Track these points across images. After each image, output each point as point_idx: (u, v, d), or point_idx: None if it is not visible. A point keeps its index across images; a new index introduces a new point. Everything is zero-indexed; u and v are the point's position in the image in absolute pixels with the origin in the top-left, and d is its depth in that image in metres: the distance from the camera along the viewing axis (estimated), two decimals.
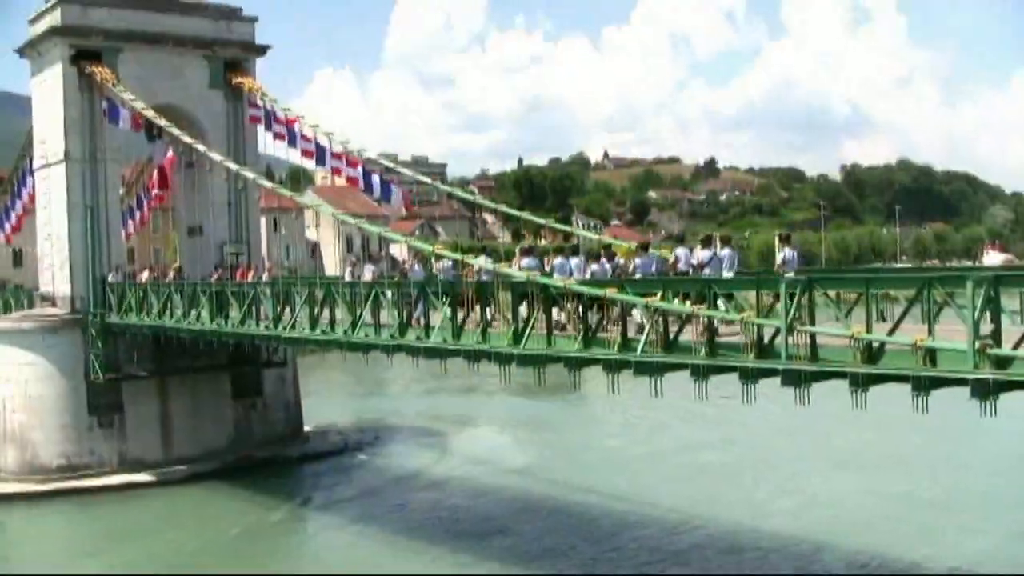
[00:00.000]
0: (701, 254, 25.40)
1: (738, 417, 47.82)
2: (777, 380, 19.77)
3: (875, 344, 18.22)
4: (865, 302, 18.38)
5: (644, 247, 27.33)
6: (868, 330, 18.10)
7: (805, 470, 43.70)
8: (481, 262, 27.60)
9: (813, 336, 19.11)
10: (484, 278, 27.05)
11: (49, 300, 47.83)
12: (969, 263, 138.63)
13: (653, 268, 26.11)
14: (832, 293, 19.43)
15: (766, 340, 20.06)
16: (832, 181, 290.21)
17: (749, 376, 20.39)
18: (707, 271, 24.35)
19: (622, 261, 27.05)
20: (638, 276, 25.36)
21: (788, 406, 20.48)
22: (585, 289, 23.32)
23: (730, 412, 46.62)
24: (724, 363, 20.93)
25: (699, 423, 51.83)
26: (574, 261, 26.81)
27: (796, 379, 19.46)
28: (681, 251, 26.57)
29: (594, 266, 26.38)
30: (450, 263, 30.00)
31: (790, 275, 22.18)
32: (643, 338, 22.09)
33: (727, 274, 24.31)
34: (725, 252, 25.24)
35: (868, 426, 40.13)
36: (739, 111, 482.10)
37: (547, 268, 27.06)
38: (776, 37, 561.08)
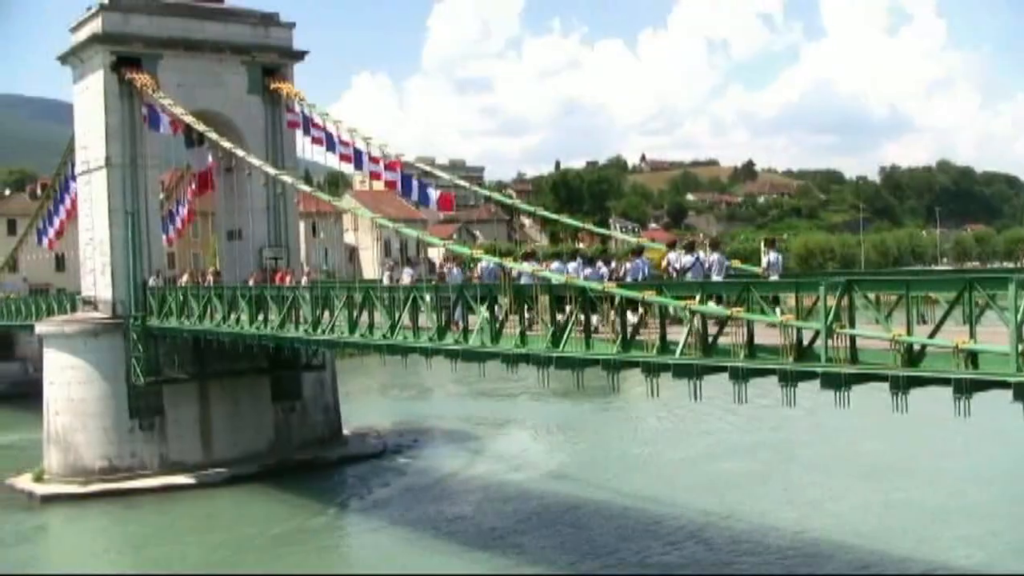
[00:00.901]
0: (684, 259, 25.82)
1: (779, 420, 47.86)
2: (817, 383, 19.71)
3: (916, 347, 18.13)
4: (905, 304, 18.29)
5: (671, 245, 27.51)
6: (909, 332, 18.01)
7: (845, 477, 43.27)
8: (524, 267, 27.53)
9: (853, 339, 19.05)
10: (525, 281, 27.07)
11: (91, 304, 48.25)
12: (1011, 265, 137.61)
13: (645, 271, 26.69)
14: (872, 295, 19.33)
15: (805, 342, 20.02)
16: (871, 183, 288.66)
17: (788, 379, 20.33)
18: (689, 276, 24.75)
19: (614, 265, 27.47)
20: (628, 279, 25.86)
21: (828, 409, 20.38)
22: (623, 291, 23.31)
23: (770, 414, 46.61)
24: (763, 366, 20.90)
25: (740, 426, 51.73)
26: (571, 265, 27.17)
27: (836, 382, 19.39)
28: (673, 255, 26.55)
29: (587, 270, 26.92)
30: (489, 264, 30.03)
31: (774, 277, 24.19)
32: (682, 340, 22.08)
33: (716, 278, 24.63)
34: (714, 257, 25.60)
35: (908, 429, 39.91)
36: (777, 113, 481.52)
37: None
38: (814, 39, 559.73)
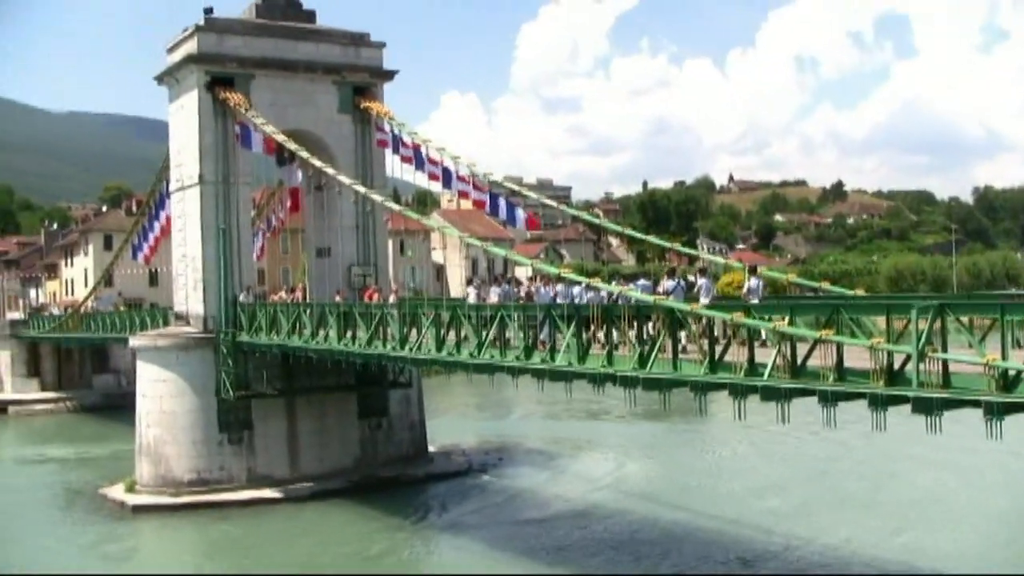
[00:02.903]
0: (666, 284, 27.62)
1: (869, 445, 47.10)
2: (908, 407, 19.42)
3: (1011, 372, 17.81)
4: (1000, 328, 17.97)
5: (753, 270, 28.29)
6: (1003, 357, 17.70)
7: (942, 506, 42.52)
8: (615, 289, 27.53)
9: (945, 363, 18.76)
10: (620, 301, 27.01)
11: (183, 319, 49.00)
12: None
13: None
14: (965, 319, 19.03)
15: (896, 366, 19.75)
16: (963, 204, 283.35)
17: (879, 403, 20.07)
18: (671, 298, 25.61)
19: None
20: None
21: (919, 434, 20.08)
22: (711, 312, 23.22)
23: (861, 439, 45.98)
24: (853, 389, 20.64)
25: (829, 451, 51.02)
26: (576, 289, 28.94)
27: (927, 407, 19.11)
28: (671, 284, 28.00)
29: (589, 293, 28.17)
30: (575, 287, 30.07)
31: (754, 301, 25.39)
32: (770, 363, 21.90)
33: (703, 300, 25.72)
34: (702, 282, 27.30)
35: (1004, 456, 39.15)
36: (867, 133, 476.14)
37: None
38: (905, 57, 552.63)
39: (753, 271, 28.16)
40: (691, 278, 28.31)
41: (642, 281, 29.30)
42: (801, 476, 48.24)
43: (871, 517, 39.96)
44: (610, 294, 27.64)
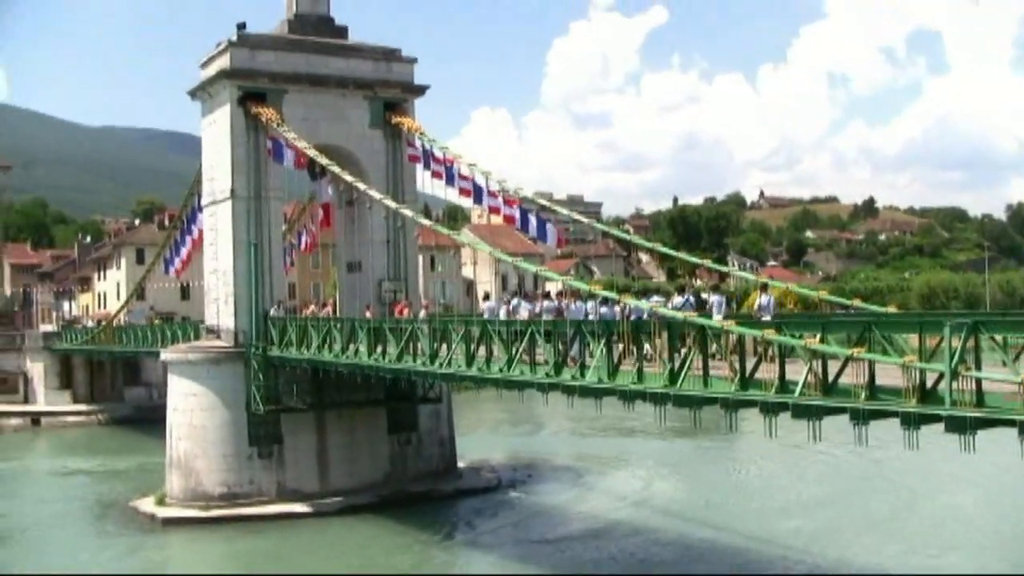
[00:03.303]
0: (675, 300, 28.23)
1: (902, 463, 46.69)
2: (941, 426, 19.25)
3: None
4: None
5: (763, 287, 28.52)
6: None
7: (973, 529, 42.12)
8: (646, 305, 27.45)
9: (979, 382, 18.59)
10: (644, 317, 26.95)
11: (214, 333, 49.18)
12: None
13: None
14: (999, 337, 18.85)
15: (929, 385, 19.59)
16: (997, 221, 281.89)
17: (911, 422, 19.89)
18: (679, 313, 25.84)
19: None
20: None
21: (953, 452, 19.91)
22: (742, 329, 23.11)
23: (893, 457, 45.59)
24: (885, 407, 20.48)
25: (861, 469, 50.62)
26: (590, 304, 29.48)
27: (961, 426, 18.90)
28: (679, 300, 28.54)
29: (603, 309, 28.73)
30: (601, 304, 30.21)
31: (766, 318, 25.57)
32: (801, 380, 21.76)
33: (716, 318, 25.78)
34: (714, 299, 27.60)
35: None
36: (899, 149, 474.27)
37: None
38: (937, 73, 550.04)
39: (764, 288, 28.48)
40: (704, 295, 28.42)
41: (655, 298, 29.45)
42: (830, 495, 47.89)
43: (897, 540, 39.48)
44: (623, 309, 27.88)
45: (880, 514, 43.63)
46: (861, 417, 20.78)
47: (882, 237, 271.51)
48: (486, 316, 34.55)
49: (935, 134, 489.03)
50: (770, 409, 22.75)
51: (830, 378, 21.50)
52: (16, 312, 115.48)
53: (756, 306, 27.52)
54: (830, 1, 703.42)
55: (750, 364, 23.38)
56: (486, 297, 39.27)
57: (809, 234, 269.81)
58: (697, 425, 26.58)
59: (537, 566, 37.21)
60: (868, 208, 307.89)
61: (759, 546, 38.51)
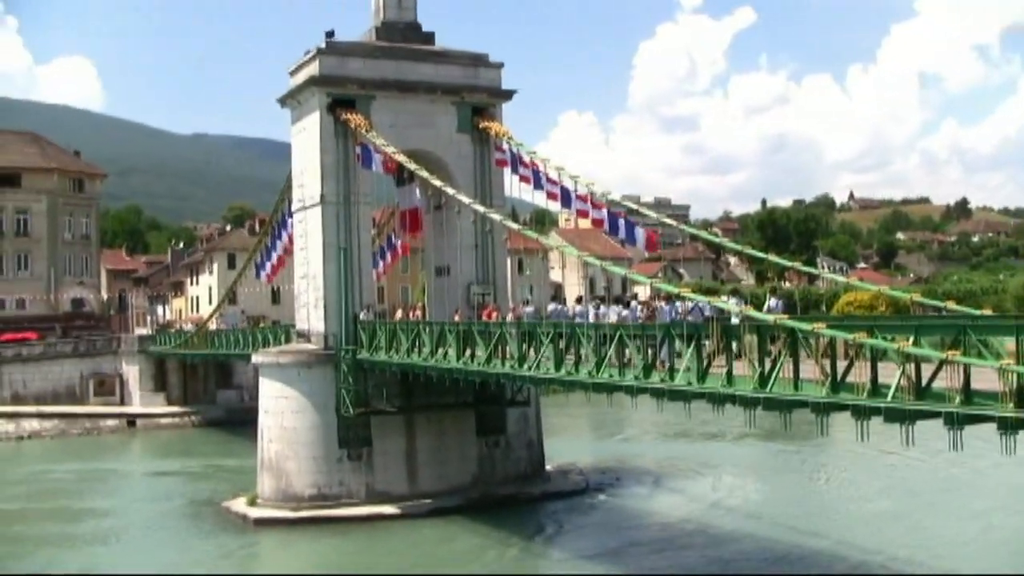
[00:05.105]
0: (770, 302, 28.21)
1: (998, 469, 45.75)
2: None
3: None
4: None
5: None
6: None
7: None
8: (732, 305, 27.37)
9: None
10: (734, 320, 26.82)
11: (304, 337, 49.73)
12: None
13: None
14: None
15: None
16: None
17: (1008, 427, 19.56)
18: (690, 318, 26.88)
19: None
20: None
21: None
22: (834, 332, 22.87)
23: (988, 463, 44.72)
24: (981, 412, 20.14)
25: (958, 476, 49.58)
26: (604, 310, 31.23)
27: None
28: (774, 302, 28.58)
29: (624, 311, 28.55)
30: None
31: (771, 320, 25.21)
32: (894, 383, 21.49)
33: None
34: (772, 302, 28.01)
35: None
36: (993, 149, 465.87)
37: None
38: None
39: (774, 292, 29.15)
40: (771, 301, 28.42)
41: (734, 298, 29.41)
42: (922, 505, 46.63)
43: (990, 553, 38.68)
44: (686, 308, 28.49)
45: (976, 525, 42.72)
46: (956, 421, 20.44)
47: (975, 238, 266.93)
48: (613, 319, 34.60)
49: None
50: (862, 413, 22.48)
51: (923, 382, 21.20)
52: (112, 316, 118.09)
53: (766, 308, 27.33)
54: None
55: (841, 367, 23.16)
56: (616, 300, 39.77)
57: (900, 236, 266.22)
58: (787, 429, 26.33)
59: (624, 569, 37.12)
60: (961, 209, 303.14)
61: (846, 552, 38.04)
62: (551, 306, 36.76)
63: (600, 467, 56.77)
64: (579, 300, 40.72)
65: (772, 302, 27.47)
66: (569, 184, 43.33)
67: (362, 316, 47.09)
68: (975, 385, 20.32)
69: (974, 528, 42.12)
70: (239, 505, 47.62)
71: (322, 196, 48.04)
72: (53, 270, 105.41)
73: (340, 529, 43.60)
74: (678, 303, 29.85)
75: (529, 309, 39.14)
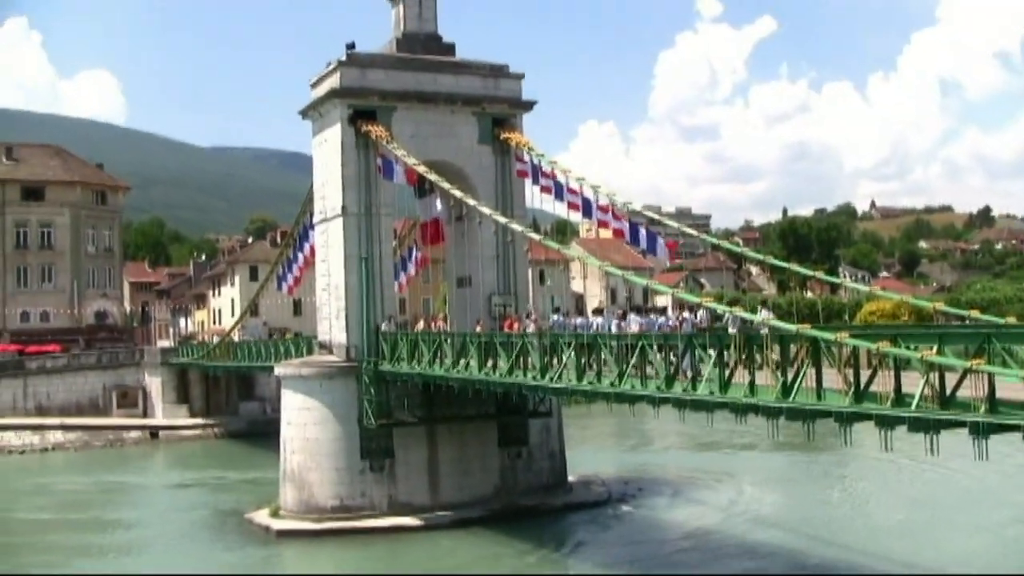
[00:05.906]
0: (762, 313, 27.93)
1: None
2: None
3: None
4: None
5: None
6: None
7: None
8: (764, 316, 27.20)
9: None
10: (763, 330, 26.69)
11: (326, 348, 49.77)
12: None
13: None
14: None
15: None
16: None
17: None
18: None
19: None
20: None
21: None
22: (857, 342, 22.78)
23: (1015, 471, 44.37)
24: (1006, 421, 20.02)
25: (985, 486, 49.15)
26: (598, 320, 32.25)
27: None
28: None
29: (640, 320, 28.73)
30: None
31: (764, 331, 25.93)
32: (918, 392, 21.38)
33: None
34: (764, 313, 27.22)
35: None
36: (1015, 156, 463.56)
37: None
38: None
39: (764, 303, 29.12)
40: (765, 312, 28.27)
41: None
42: (944, 516, 46.29)
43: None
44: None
45: (985, 543, 42.15)
46: (981, 431, 20.33)
47: (999, 246, 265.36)
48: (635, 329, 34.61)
49: None
50: (886, 422, 22.40)
51: (948, 391, 21.07)
52: (135, 328, 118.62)
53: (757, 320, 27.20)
54: (942, 7, 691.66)
55: (864, 377, 23.06)
56: (637, 310, 39.60)
57: (922, 244, 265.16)
58: (810, 439, 26.23)
59: None
60: (984, 217, 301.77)
61: (873, 564, 37.81)
62: (577, 319, 36.70)
63: (623, 478, 56.60)
64: (596, 311, 40.72)
65: (764, 313, 27.28)
66: (590, 194, 43.34)
67: (384, 327, 47.12)
68: (1000, 394, 20.20)
69: (995, 539, 41.91)
70: (262, 517, 47.67)
71: (344, 207, 48.13)
72: (76, 283, 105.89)
73: (362, 540, 43.60)
74: (702, 311, 29.87)
75: (557, 318, 39.17)
